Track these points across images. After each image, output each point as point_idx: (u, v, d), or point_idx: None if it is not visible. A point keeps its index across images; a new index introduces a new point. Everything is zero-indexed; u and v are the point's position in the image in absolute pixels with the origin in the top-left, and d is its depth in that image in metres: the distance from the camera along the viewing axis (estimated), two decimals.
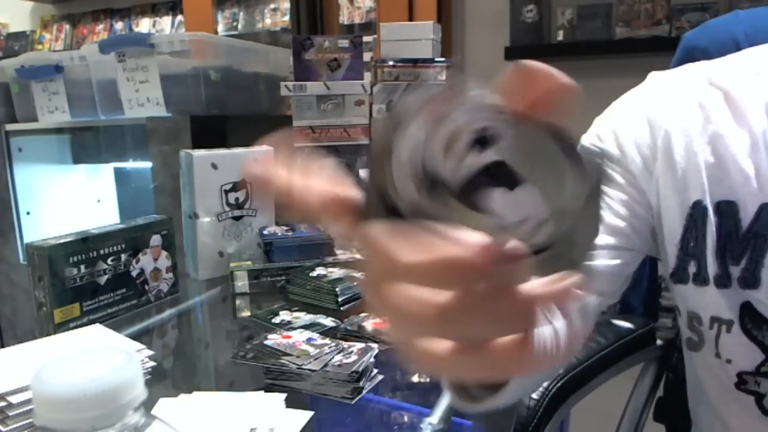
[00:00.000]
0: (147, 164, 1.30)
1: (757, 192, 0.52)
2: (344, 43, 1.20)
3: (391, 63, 1.23)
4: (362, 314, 0.82)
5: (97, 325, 0.73)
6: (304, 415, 0.56)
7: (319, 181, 0.29)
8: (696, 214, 0.56)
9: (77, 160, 1.58)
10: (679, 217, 0.57)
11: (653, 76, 0.65)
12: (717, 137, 0.55)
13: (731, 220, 0.54)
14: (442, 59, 1.25)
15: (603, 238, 0.57)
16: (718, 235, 0.55)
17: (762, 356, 0.54)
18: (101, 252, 0.83)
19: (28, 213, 1.59)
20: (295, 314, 0.83)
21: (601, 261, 0.57)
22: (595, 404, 1.49)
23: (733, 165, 0.54)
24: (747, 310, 0.54)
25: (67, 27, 2.74)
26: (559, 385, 0.74)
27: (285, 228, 1.06)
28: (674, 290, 0.59)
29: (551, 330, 0.24)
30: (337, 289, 0.87)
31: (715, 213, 0.55)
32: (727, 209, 0.54)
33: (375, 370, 0.65)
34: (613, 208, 0.58)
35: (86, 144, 1.54)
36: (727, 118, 0.55)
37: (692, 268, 0.57)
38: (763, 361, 0.55)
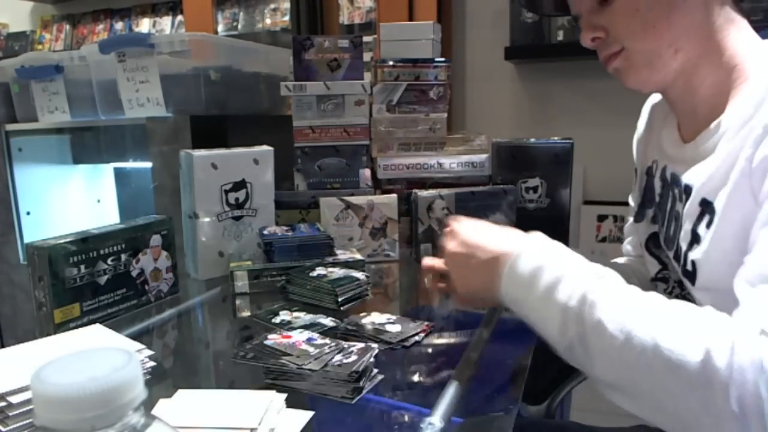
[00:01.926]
0: (147, 164, 1.30)
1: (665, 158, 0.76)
2: (344, 43, 1.20)
3: (391, 63, 1.23)
4: (362, 314, 0.82)
5: (97, 325, 0.73)
6: (304, 415, 0.56)
7: None
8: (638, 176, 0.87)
9: (77, 160, 1.58)
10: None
11: None
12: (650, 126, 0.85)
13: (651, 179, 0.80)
14: (442, 59, 1.25)
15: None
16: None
17: (659, 267, 0.80)
18: (101, 252, 0.84)
19: (28, 213, 1.59)
20: (296, 314, 0.83)
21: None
22: (595, 404, 1.49)
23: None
24: (651, 237, 0.81)
25: (67, 27, 2.74)
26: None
27: (285, 228, 1.06)
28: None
29: None
30: (337, 289, 0.87)
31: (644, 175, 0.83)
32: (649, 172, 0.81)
33: (375, 370, 0.65)
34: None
35: (86, 144, 1.54)
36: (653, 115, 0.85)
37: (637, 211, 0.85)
38: (660, 269, 0.79)
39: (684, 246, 0.66)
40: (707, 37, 0.65)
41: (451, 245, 0.70)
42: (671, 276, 0.77)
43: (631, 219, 0.92)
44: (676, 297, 0.68)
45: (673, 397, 0.48)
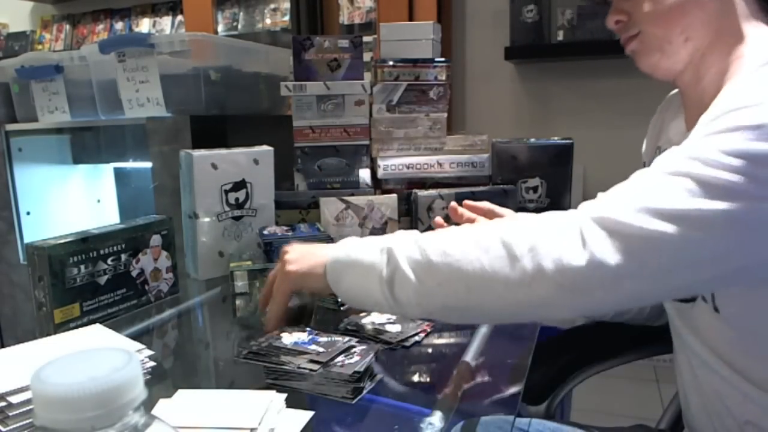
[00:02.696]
0: (147, 164, 1.30)
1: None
2: (344, 43, 1.20)
3: (391, 63, 1.23)
4: (362, 314, 0.82)
5: (97, 325, 0.73)
6: (304, 415, 0.56)
7: None
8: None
9: (77, 160, 1.58)
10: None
11: None
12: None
13: None
14: (442, 59, 1.25)
15: None
16: None
17: None
18: (101, 252, 0.84)
19: (28, 213, 1.59)
20: None
21: None
22: (595, 404, 1.50)
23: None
24: None
25: (67, 27, 2.74)
26: (571, 355, 0.78)
27: (285, 228, 1.06)
28: None
29: None
30: None
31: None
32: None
33: (376, 370, 0.65)
34: None
35: (86, 144, 1.54)
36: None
37: None
38: None
39: None
40: (720, 29, 0.67)
41: (282, 264, 0.76)
42: None
43: None
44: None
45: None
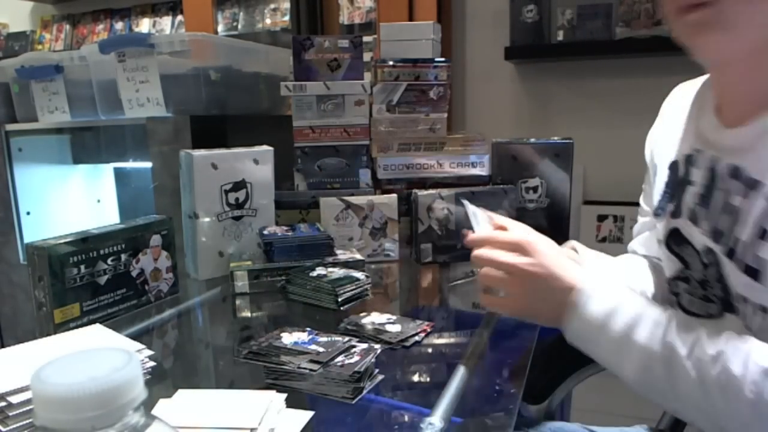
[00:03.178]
0: (147, 164, 1.30)
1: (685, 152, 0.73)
2: (344, 43, 1.20)
3: (391, 63, 1.23)
4: (362, 314, 0.82)
5: (97, 325, 0.73)
6: (304, 415, 0.56)
7: None
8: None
9: (77, 160, 1.58)
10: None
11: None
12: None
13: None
14: (442, 59, 1.25)
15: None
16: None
17: (680, 265, 0.74)
18: (101, 252, 0.84)
19: (28, 213, 1.59)
20: (330, 269, 0.94)
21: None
22: (595, 404, 1.50)
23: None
24: (672, 233, 0.74)
25: (67, 27, 2.74)
26: (572, 354, 0.77)
27: (285, 228, 1.06)
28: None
29: None
30: (337, 289, 0.87)
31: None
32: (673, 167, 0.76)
33: (376, 370, 0.65)
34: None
35: (86, 144, 1.54)
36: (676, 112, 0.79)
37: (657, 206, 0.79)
38: (681, 268, 0.73)
39: (747, 241, 0.62)
40: None
41: (523, 261, 0.67)
42: (693, 275, 0.73)
43: (641, 219, 0.90)
44: (700, 298, 0.70)
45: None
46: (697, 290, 0.71)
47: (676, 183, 0.74)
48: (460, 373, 0.66)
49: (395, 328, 0.77)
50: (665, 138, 0.80)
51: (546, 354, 0.83)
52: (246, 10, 2.35)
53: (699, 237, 0.68)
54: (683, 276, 0.75)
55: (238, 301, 0.95)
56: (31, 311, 0.80)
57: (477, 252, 0.70)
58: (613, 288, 0.65)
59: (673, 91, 0.84)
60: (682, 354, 0.58)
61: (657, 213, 0.79)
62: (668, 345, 0.59)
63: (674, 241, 0.75)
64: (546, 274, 0.66)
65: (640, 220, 0.91)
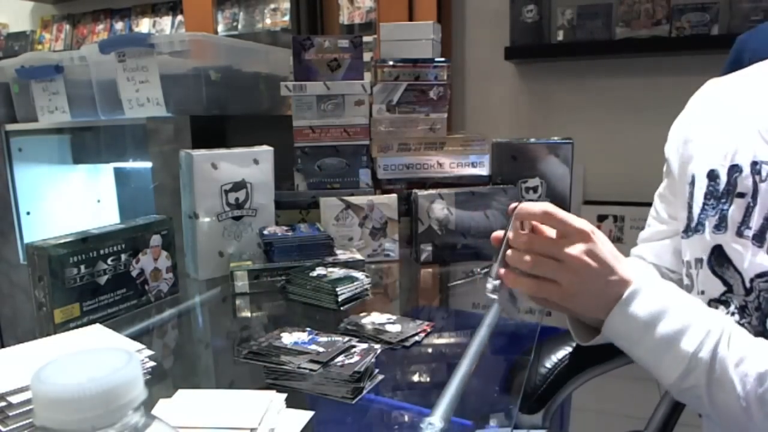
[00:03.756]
0: (147, 164, 1.30)
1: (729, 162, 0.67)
2: (344, 43, 1.20)
3: (391, 63, 1.23)
4: (362, 314, 0.82)
5: (97, 325, 0.73)
6: (304, 415, 0.56)
7: None
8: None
9: (77, 160, 1.58)
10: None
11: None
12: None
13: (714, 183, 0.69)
14: (442, 59, 1.25)
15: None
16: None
17: (723, 288, 0.67)
18: (101, 252, 0.84)
19: (28, 213, 1.59)
20: (330, 269, 0.93)
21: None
22: (595, 404, 1.50)
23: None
24: (715, 251, 0.67)
25: (67, 27, 2.74)
26: (572, 356, 0.77)
27: (285, 228, 1.06)
28: (683, 246, 0.73)
29: None
30: (337, 289, 0.87)
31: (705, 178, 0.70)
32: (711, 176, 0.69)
33: (376, 370, 0.65)
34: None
35: (86, 144, 1.54)
36: (710, 115, 0.73)
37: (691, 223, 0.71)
38: (723, 292, 0.67)
39: None
40: None
41: (581, 249, 0.63)
42: (734, 300, 0.66)
43: (655, 226, 0.83)
44: (737, 324, 0.65)
45: None
46: (735, 315, 0.66)
47: (720, 194, 0.68)
48: (460, 373, 0.66)
49: (395, 328, 0.77)
50: (701, 140, 0.72)
51: (545, 357, 0.83)
52: (246, 10, 2.35)
53: (749, 257, 0.63)
54: (723, 299, 0.68)
55: (238, 301, 0.95)
56: (31, 311, 0.80)
57: (535, 241, 0.65)
58: (666, 289, 0.64)
59: (704, 87, 0.78)
60: (729, 367, 0.57)
61: (689, 232, 0.71)
62: (716, 356, 0.58)
63: (716, 260, 0.68)
64: (603, 267, 0.63)
65: (655, 226, 0.83)
